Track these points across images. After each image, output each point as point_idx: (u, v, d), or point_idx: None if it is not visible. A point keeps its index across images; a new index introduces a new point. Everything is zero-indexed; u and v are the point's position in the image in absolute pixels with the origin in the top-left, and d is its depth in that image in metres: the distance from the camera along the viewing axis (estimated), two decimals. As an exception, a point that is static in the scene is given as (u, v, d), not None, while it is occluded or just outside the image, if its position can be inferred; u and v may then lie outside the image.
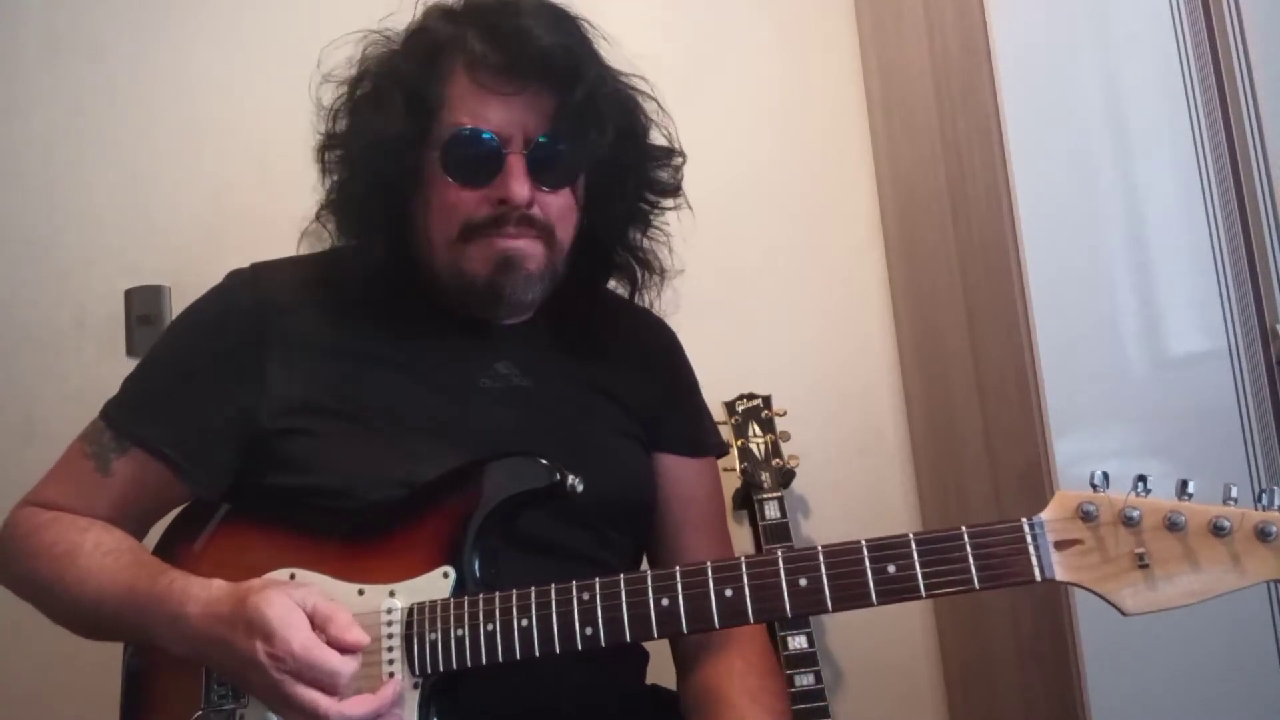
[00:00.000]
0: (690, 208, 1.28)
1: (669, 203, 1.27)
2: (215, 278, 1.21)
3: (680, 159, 1.24)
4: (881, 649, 1.79)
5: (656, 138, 1.23)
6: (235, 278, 1.20)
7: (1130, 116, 1.38)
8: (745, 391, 1.73)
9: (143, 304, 1.86)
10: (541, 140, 1.11)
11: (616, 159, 1.17)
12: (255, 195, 1.87)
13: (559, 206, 1.14)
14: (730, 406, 1.71)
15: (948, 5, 1.55)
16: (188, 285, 1.79)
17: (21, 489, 1.17)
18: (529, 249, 1.12)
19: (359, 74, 1.17)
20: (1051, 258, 1.35)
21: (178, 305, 1.84)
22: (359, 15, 1.19)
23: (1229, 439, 1.31)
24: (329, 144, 1.19)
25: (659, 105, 1.22)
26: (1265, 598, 1.28)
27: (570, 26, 1.14)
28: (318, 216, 1.20)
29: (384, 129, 1.11)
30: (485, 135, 1.10)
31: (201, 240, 1.87)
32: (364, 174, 1.15)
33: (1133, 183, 1.37)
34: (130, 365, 1.20)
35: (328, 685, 0.92)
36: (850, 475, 1.85)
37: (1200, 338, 1.33)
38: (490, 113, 1.10)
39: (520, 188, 1.09)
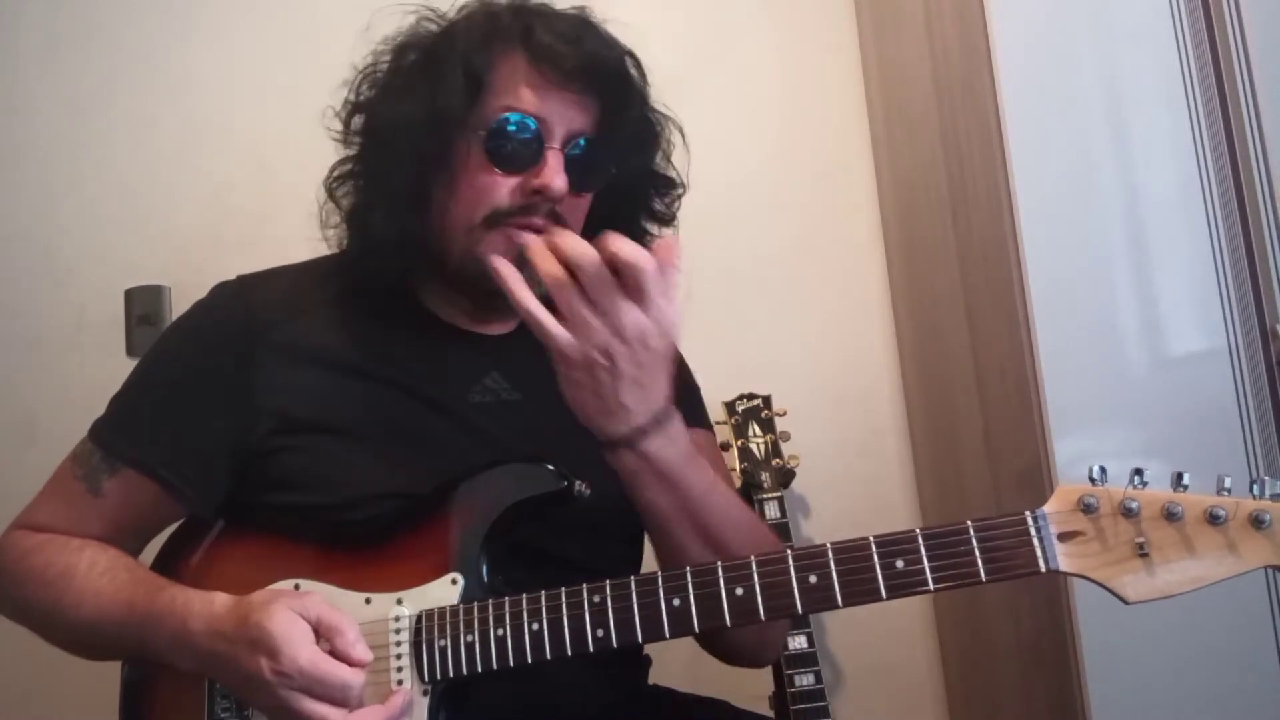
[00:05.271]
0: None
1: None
2: (215, 278, 1.20)
3: (681, 190, 1.24)
4: (881, 649, 1.80)
5: (667, 167, 1.23)
6: (221, 292, 1.17)
7: (1130, 116, 1.38)
8: (745, 391, 1.73)
9: (143, 304, 1.86)
10: (582, 142, 1.10)
11: (631, 182, 1.17)
12: (255, 195, 1.87)
13: (578, 210, 1.14)
14: (730, 406, 1.71)
15: (948, 5, 1.55)
16: (188, 285, 1.80)
17: (22, 490, 1.16)
18: None
19: (402, 44, 1.14)
20: (1051, 258, 1.35)
21: (178, 305, 1.85)
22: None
23: (1229, 439, 1.31)
24: (357, 110, 1.15)
25: (683, 140, 1.22)
26: (1265, 596, 1.29)
27: (625, 51, 1.15)
28: (329, 189, 1.17)
29: (430, 101, 1.08)
30: (533, 124, 1.08)
31: (201, 240, 1.87)
32: (396, 145, 1.11)
33: (1133, 182, 1.37)
34: (130, 365, 1.19)
35: (339, 698, 0.91)
36: (850, 475, 1.86)
37: (1200, 337, 1.34)
38: (544, 103, 1.08)
39: (559, 181, 1.08)
